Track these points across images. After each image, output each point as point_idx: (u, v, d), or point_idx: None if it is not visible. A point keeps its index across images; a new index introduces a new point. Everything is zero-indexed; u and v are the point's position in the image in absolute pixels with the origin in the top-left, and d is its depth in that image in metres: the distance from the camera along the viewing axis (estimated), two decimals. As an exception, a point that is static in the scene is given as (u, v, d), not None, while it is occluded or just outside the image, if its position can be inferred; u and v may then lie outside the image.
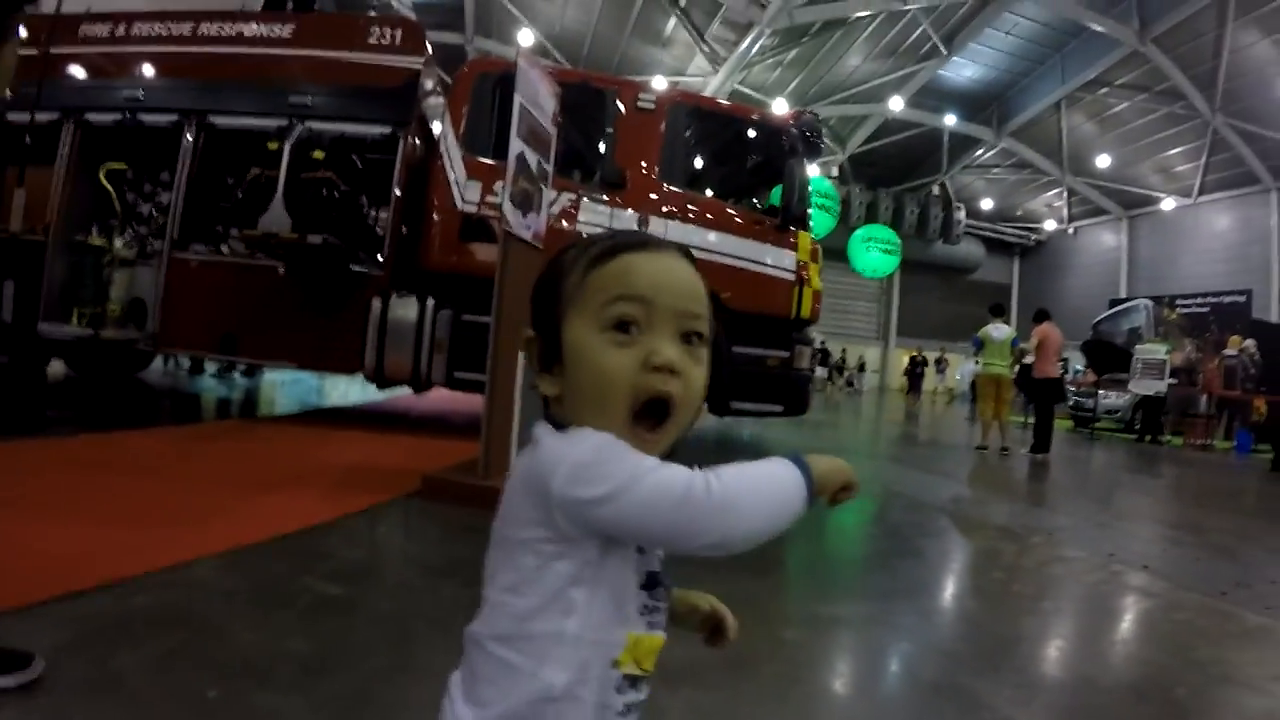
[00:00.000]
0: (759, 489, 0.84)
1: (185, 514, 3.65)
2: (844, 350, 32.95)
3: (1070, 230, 35.97)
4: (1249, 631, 3.38)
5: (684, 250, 0.93)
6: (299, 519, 3.71)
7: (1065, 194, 34.33)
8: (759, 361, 7.03)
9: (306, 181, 6.44)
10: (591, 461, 0.81)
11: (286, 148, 6.47)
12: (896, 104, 27.46)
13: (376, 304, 6.83)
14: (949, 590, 4.00)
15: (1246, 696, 2.64)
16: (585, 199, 6.94)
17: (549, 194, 5.05)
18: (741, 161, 8.08)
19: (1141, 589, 3.96)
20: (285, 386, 10.40)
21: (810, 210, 7.62)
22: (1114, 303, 22.45)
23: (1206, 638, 3.23)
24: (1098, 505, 7.08)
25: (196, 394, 9.25)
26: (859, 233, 27.10)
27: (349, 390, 9.96)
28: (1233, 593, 3.91)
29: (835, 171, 31.09)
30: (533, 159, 4.74)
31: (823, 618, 3.18)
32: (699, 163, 7.79)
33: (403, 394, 7.94)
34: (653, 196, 7.06)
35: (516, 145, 4.50)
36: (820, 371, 29.43)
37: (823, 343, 30.09)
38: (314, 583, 2.94)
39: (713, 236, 7.08)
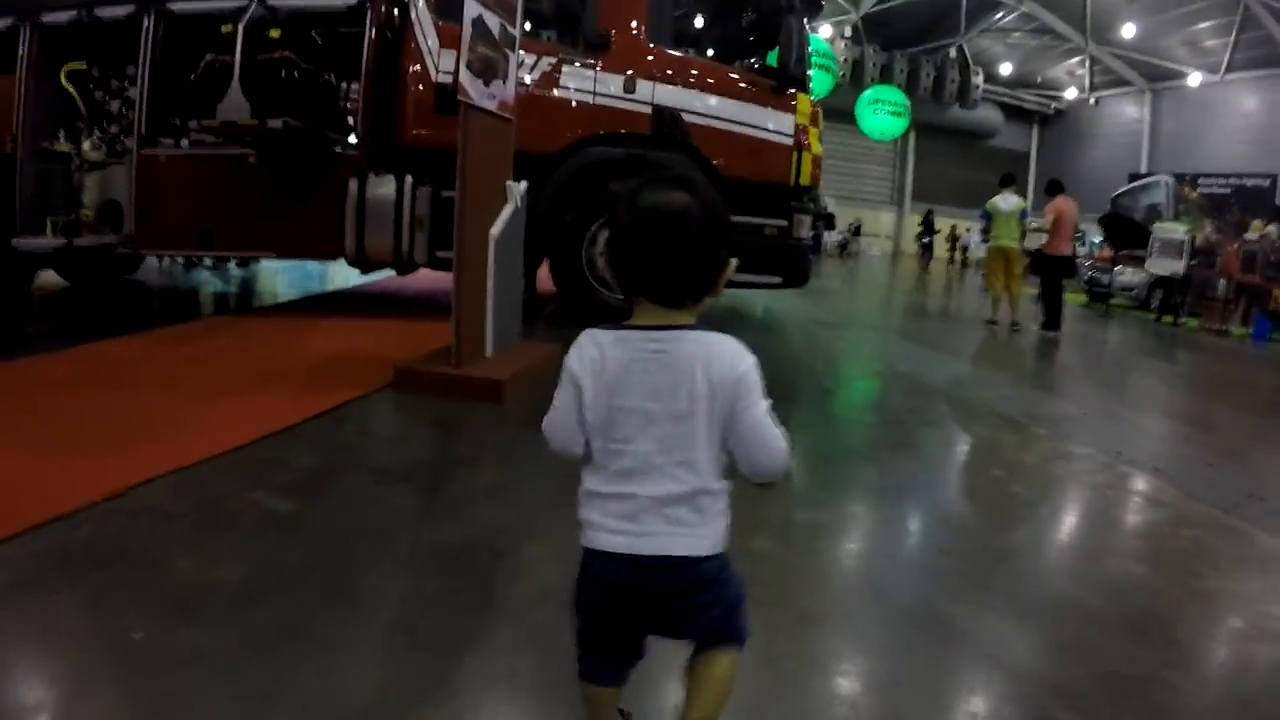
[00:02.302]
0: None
1: (145, 431, 3.48)
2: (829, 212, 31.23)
3: (1092, 100, 34.38)
4: (1262, 558, 3.04)
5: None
6: (260, 425, 3.54)
7: (1088, 63, 32.65)
8: (756, 231, 6.71)
9: (264, 64, 6.02)
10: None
11: (240, 29, 6.02)
12: (913, -41, 25.95)
13: (353, 185, 6.49)
14: (941, 492, 3.70)
15: (1258, 644, 2.34)
16: (566, 64, 6.50)
17: (516, 60, 4.66)
18: (736, 19, 7.52)
19: (1149, 496, 3.68)
20: (279, 275, 10.16)
21: (810, 72, 7.14)
22: (1133, 177, 21.30)
23: (1215, 563, 2.90)
24: (1108, 392, 6.81)
25: (189, 290, 8.99)
26: (866, 94, 26.01)
27: (346, 275, 9.57)
28: (1244, 506, 3.57)
29: (848, 31, 29.86)
30: (494, 22, 4.33)
31: (798, 524, 2.96)
32: (690, 21, 7.28)
33: (390, 276, 7.67)
34: (640, 58, 6.60)
35: (473, 8, 4.11)
36: (832, 236, 29.08)
37: (824, 207, 29.35)
38: (263, 498, 2.80)
39: (706, 100, 6.63)
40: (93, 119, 7.23)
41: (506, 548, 2.53)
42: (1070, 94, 35.14)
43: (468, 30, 4.04)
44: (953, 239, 29.22)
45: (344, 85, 6.90)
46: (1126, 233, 16.15)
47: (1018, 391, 6.19)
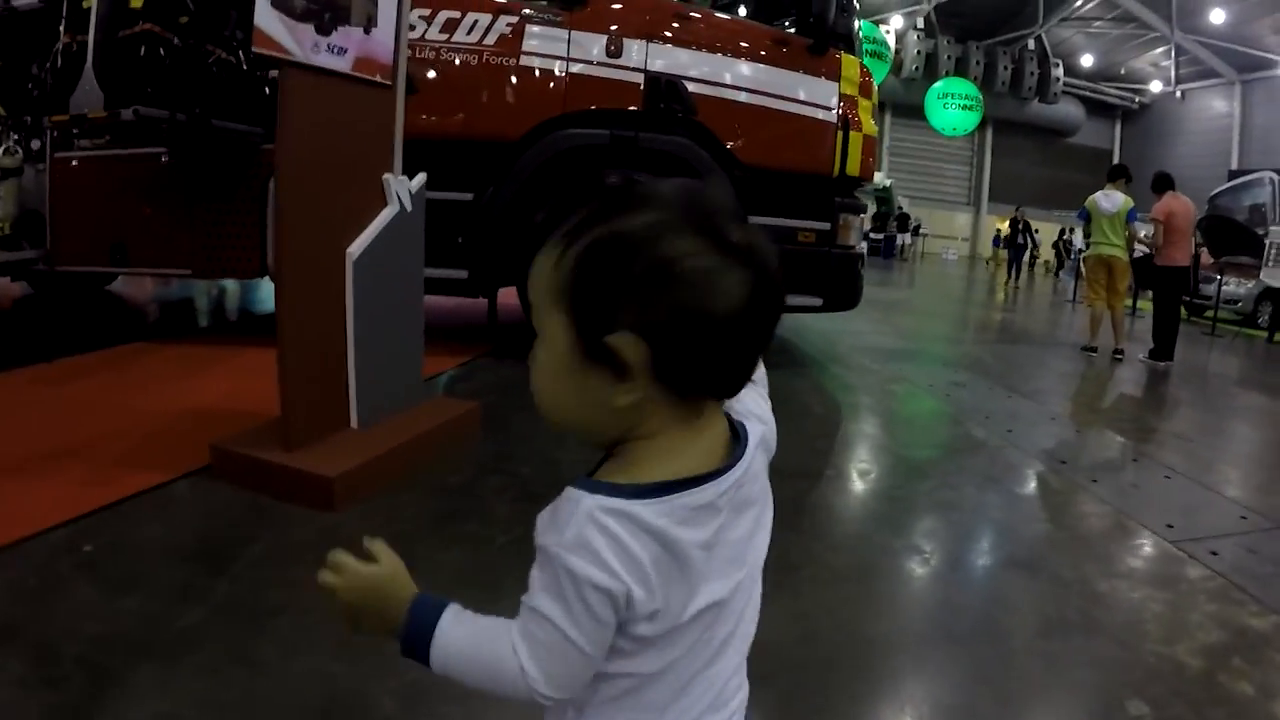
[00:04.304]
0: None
1: None
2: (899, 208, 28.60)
3: (1178, 94, 31.93)
4: None
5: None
6: (24, 522, 2.47)
7: (1173, 52, 30.35)
8: (788, 236, 5.09)
9: (122, 41, 4.69)
10: None
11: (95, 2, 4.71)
12: (986, -59, 24.18)
13: (274, 187, 5.09)
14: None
15: None
16: (530, 24, 4.97)
17: (399, 3, 3.12)
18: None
19: None
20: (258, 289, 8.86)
21: (856, 25, 5.50)
22: (1233, 174, 19.50)
23: None
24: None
25: (163, 305, 7.86)
26: (935, 87, 24.52)
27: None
28: None
29: (920, 22, 28.32)
30: None
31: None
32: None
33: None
34: (627, 12, 5.04)
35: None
36: (904, 239, 27.23)
37: (900, 207, 27.76)
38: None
39: (716, 63, 5.05)
40: (8, 118, 6.11)
41: None
42: (1155, 87, 32.93)
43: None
44: (1063, 246, 24.25)
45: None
46: (1228, 237, 14.20)
47: (1146, 475, 4.11)
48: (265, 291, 8.65)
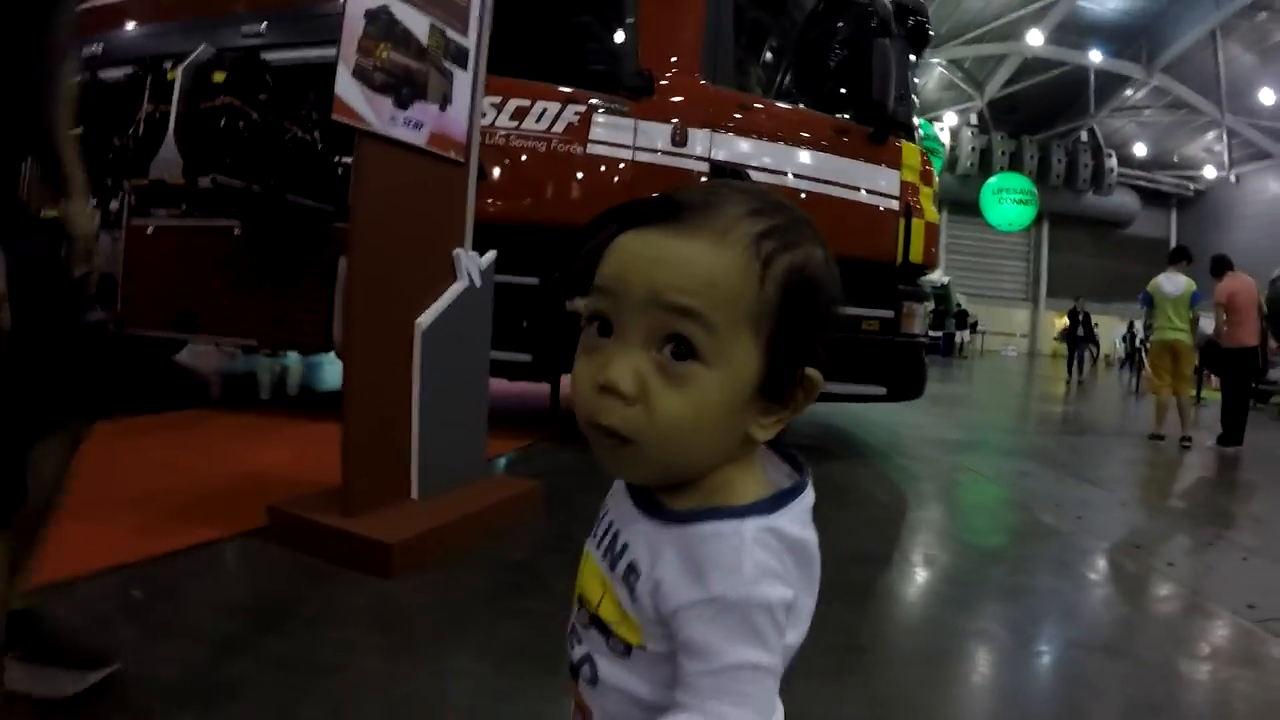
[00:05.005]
0: None
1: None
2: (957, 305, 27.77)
3: (1232, 178, 31.91)
4: None
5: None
6: (74, 562, 2.38)
7: (1225, 136, 30.40)
8: (852, 325, 5.07)
9: (204, 112, 4.92)
10: None
11: (179, 73, 4.97)
12: (1035, 39, 24.78)
13: (344, 264, 5.21)
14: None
15: None
16: (597, 112, 5.11)
17: (465, 80, 3.23)
18: (818, 51, 5.94)
19: None
20: (321, 367, 9.04)
21: (916, 119, 5.56)
22: None
23: None
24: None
25: (227, 376, 8.09)
26: (990, 183, 24.77)
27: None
28: None
29: (974, 118, 28.66)
30: (417, 23, 2.93)
31: None
32: (755, 54, 5.82)
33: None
34: (692, 103, 5.16)
35: (368, -4, 2.74)
36: (963, 336, 26.95)
37: (958, 304, 27.58)
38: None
39: (779, 153, 5.13)
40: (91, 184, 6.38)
41: None
42: (1209, 172, 33.10)
43: (354, 23, 2.64)
44: (1135, 339, 21.21)
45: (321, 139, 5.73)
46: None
47: (1225, 560, 3.90)
48: (328, 369, 8.81)
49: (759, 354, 0.63)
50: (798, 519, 0.67)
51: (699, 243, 0.62)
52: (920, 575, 3.41)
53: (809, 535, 0.67)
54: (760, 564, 0.62)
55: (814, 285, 0.65)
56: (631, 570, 0.67)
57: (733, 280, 0.62)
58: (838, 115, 5.51)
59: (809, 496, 0.69)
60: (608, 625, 0.68)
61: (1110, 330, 26.48)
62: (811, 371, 0.65)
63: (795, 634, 0.67)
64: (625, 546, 0.68)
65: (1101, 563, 3.74)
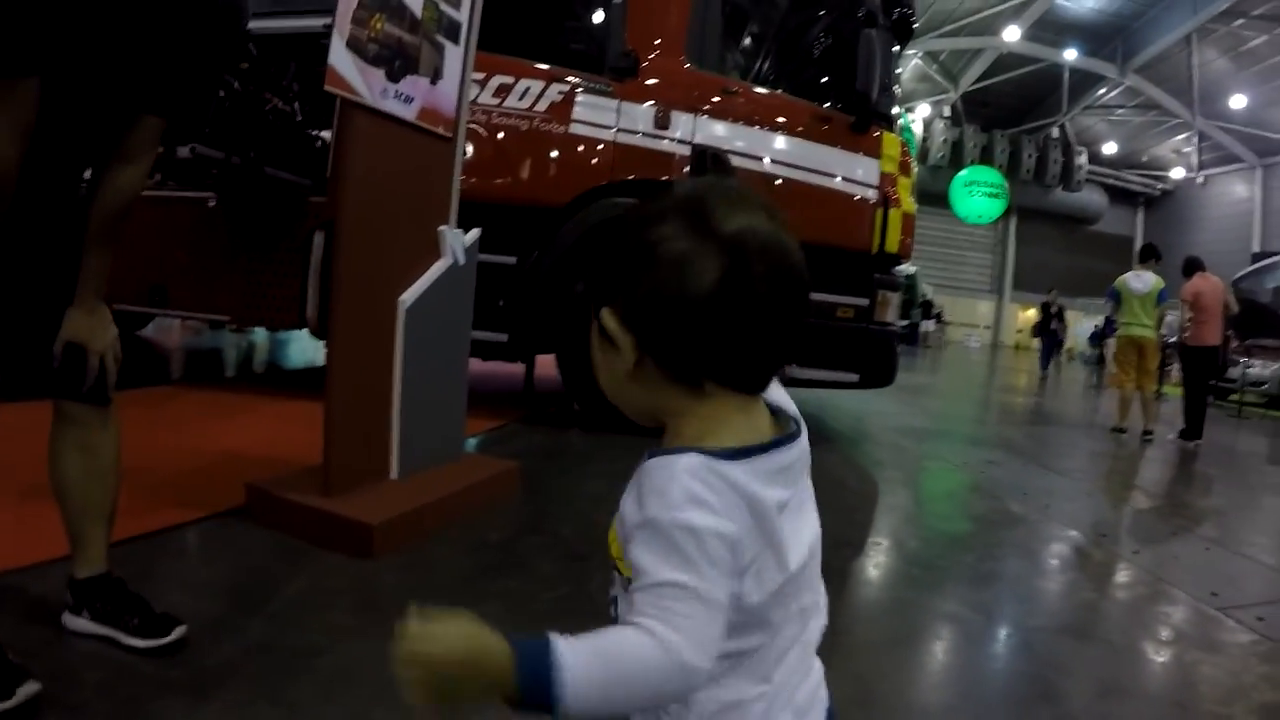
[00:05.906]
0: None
1: None
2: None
3: (1199, 179, 32.57)
4: None
5: None
6: (45, 545, 2.33)
7: (1195, 139, 30.94)
8: (827, 312, 5.11)
9: None
10: None
11: None
12: (1012, 34, 24.96)
13: (319, 239, 5.14)
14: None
15: None
16: (581, 92, 5.08)
17: (456, 54, 3.19)
18: (800, 39, 5.94)
19: None
20: (293, 343, 8.91)
21: (897, 108, 5.59)
22: (1256, 257, 19.97)
23: None
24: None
25: (190, 352, 7.96)
26: (961, 175, 24.86)
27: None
28: None
29: (946, 111, 28.76)
30: None
31: None
32: (740, 40, 5.81)
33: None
34: (675, 86, 5.13)
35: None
36: (928, 325, 27.17)
37: (924, 294, 27.77)
38: None
39: (760, 138, 5.14)
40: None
41: None
42: (1177, 173, 33.64)
43: (350, -14, 2.60)
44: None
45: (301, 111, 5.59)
46: (1253, 319, 14.19)
47: (1188, 549, 4.01)
48: (295, 346, 8.71)
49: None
50: (757, 474, 0.72)
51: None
52: (893, 560, 3.46)
53: (767, 493, 0.72)
54: (687, 490, 0.68)
55: (607, 243, 0.79)
56: (619, 508, 0.75)
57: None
58: (823, 104, 5.53)
59: (780, 457, 0.75)
60: (616, 564, 0.76)
61: (1074, 325, 26.86)
62: (603, 313, 0.76)
63: (757, 591, 0.72)
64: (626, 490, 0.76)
65: (1069, 550, 3.84)
